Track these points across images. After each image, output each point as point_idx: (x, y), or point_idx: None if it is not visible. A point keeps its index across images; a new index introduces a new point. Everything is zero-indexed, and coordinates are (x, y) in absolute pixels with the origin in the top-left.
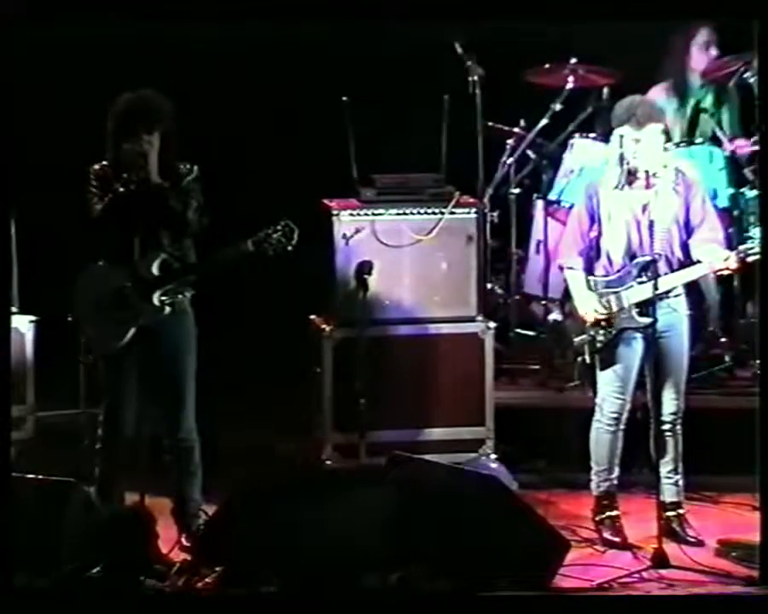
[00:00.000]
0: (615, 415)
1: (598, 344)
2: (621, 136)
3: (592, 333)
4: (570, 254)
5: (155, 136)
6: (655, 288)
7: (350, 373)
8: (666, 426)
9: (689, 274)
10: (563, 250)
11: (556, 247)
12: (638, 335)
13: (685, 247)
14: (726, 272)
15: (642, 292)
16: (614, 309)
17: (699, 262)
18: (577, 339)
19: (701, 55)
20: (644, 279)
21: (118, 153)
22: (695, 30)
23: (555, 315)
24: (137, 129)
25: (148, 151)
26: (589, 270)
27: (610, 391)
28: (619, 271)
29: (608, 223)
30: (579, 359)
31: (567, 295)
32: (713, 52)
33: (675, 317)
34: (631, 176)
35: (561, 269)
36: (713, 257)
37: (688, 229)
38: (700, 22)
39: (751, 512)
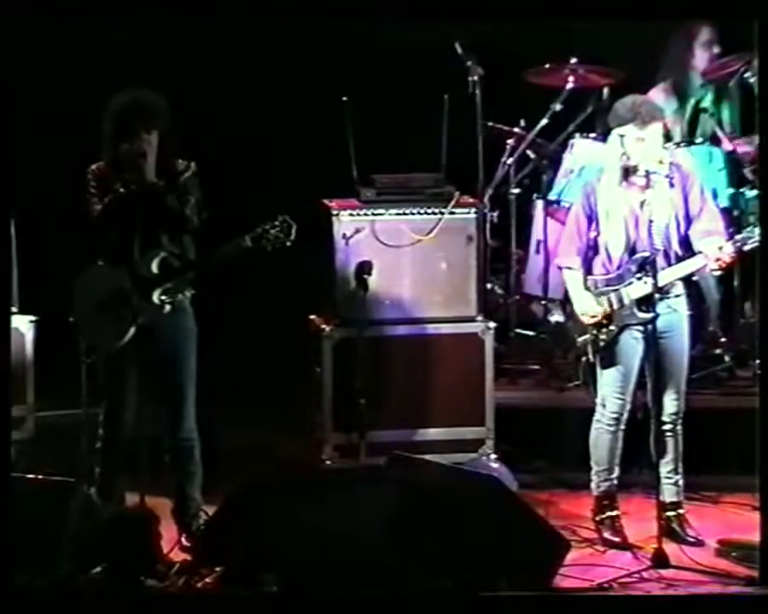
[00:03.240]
0: (616, 415)
1: (601, 343)
2: (622, 136)
3: (594, 332)
4: (568, 254)
5: (154, 135)
6: (656, 283)
7: (350, 373)
8: (667, 427)
9: (688, 266)
10: (561, 250)
11: (556, 247)
12: (639, 335)
13: (684, 242)
14: (722, 264)
15: (643, 288)
16: (615, 306)
17: (699, 253)
18: (579, 340)
19: (702, 55)
20: (643, 275)
21: (116, 153)
22: (697, 29)
23: (557, 317)
24: (135, 128)
25: (147, 150)
26: (587, 269)
27: (611, 391)
28: (618, 269)
29: (606, 221)
30: (583, 359)
31: (568, 296)
32: (715, 51)
33: (675, 317)
34: (631, 174)
35: (560, 268)
36: (711, 247)
37: (687, 221)
38: (700, 22)
39: (751, 512)
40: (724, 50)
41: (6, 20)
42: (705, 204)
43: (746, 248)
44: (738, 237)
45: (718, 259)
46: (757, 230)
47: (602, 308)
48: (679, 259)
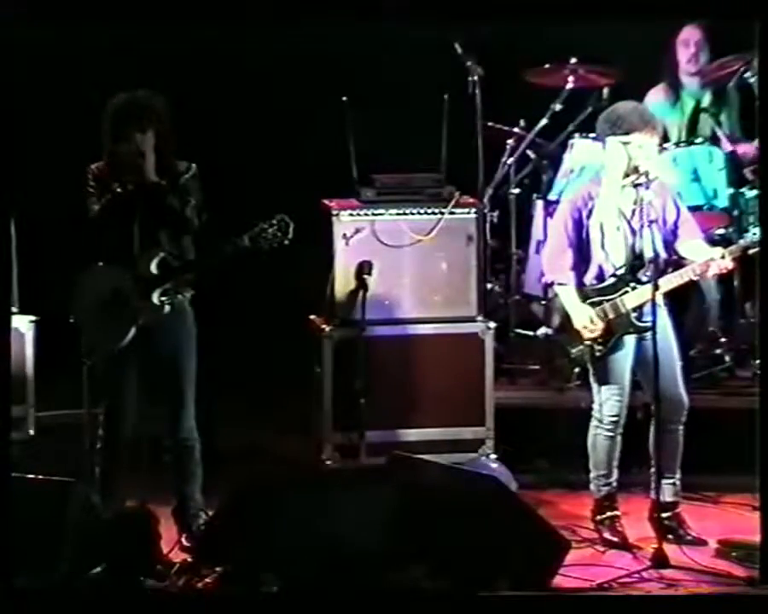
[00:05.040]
0: (615, 419)
1: (597, 354)
2: (626, 143)
3: (589, 344)
4: (560, 269)
5: (150, 135)
6: (655, 290)
7: (350, 373)
8: (668, 426)
9: (687, 273)
10: (551, 265)
11: None
12: (631, 336)
13: (670, 248)
14: (724, 269)
15: (640, 296)
16: (611, 316)
17: (691, 259)
18: (574, 351)
19: (684, 53)
20: (639, 283)
21: (114, 153)
22: (691, 29)
23: (545, 329)
24: (132, 129)
25: (145, 150)
26: (579, 281)
27: (610, 395)
28: (612, 277)
29: (600, 230)
30: (577, 370)
31: (551, 307)
32: (695, 50)
33: (657, 312)
34: (631, 182)
35: (550, 284)
36: (707, 253)
37: (666, 230)
38: (699, 22)
39: (751, 512)
40: (724, 50)
41: (6, 21)
42: (680, 213)
43: (750, 252)
44: (741, 243)
45: (721, 268)
46: (757, 230)
47: (601, 320)
48: (667, 264)
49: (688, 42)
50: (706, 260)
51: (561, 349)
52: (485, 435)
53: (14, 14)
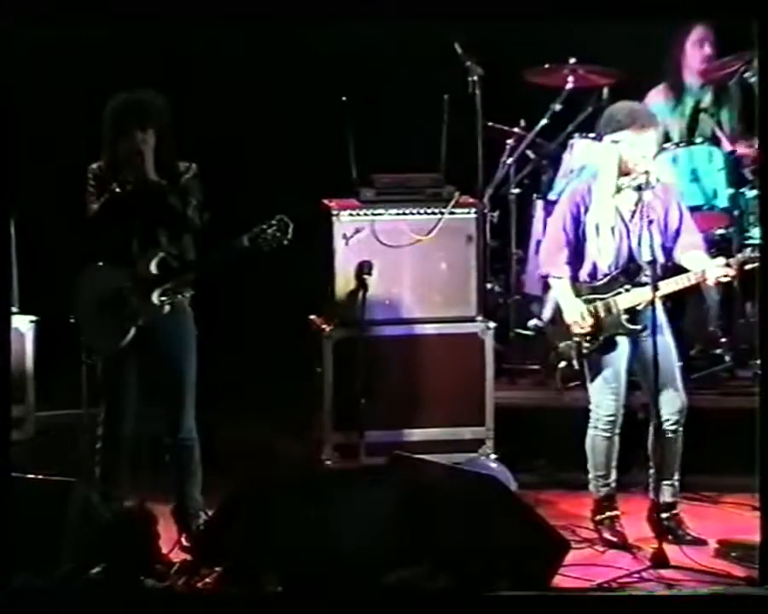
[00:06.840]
0: (611, 419)
1: (584, 350)
2: (617, 142)
3: (577, 339)
4: (556, 264)
5: (150, 134)
6: (655, 291)
7: (350, 373)
8: (670, 427)
9: (683, 280)
10: (548, 259)
11: None
12: (625, 337)
13: (668, 253)
14: (725, 279)
15: (632, 298)
16: (602, 315)
17: (689, 268)
18: (561, 345)
19: (697, 54)
20: (633, 285)
21: (114, 152)
22: (691, 28)
23: (535, 321)
24: (132, 128)
25: (144, 150)
26: (573, 277)
27: (605, 395)
28: (606, 277)
29: (595, 229)
30: (563, 364)
31: (544, 300)
32: (710, 50)
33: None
34: (624, 182)
35: (545, 277)
36: (706, 264)
37: (666, 233)
38: (699, 22)
39: (751, 512)
40: (724, 50)
41: (6, 21)
42: (683, 218)
43: (747, 267)
44: (740, 257)
45: (719, 279)
46: (756, 233)
47: (591, 317)
48: (665, 269)
49: (702, 42)
50: (702, 271)
51: (549, 341)
52: (485, 435)
53: (14, 14)
